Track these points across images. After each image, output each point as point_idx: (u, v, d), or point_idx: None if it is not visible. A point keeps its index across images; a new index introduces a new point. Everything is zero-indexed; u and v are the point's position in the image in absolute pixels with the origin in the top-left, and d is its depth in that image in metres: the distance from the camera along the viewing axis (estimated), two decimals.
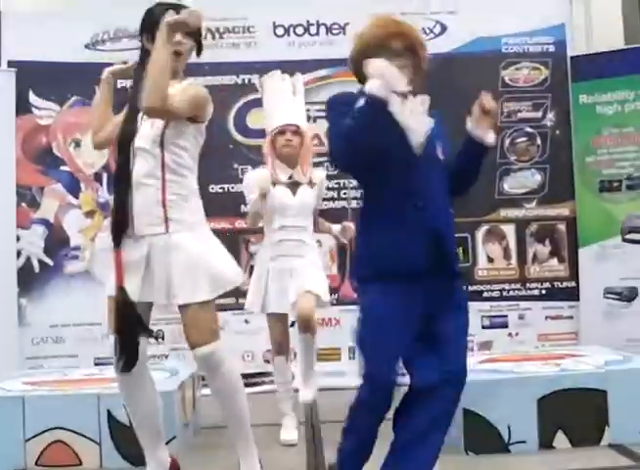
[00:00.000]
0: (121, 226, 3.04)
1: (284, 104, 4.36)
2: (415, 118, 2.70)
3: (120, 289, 3.00)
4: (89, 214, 5.92)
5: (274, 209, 4.27)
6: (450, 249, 2.75)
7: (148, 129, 3.06)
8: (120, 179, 3.08)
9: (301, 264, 4.24)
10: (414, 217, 2.65)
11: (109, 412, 3.78)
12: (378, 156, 2.65)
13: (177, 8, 3.02)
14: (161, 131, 3.05)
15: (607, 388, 3.78)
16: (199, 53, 3.28)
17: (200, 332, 3.04)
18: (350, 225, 4.39)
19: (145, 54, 3.09)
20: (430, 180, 2.71)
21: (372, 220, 2.77)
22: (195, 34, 3.17)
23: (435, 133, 2.76)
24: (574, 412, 3.75)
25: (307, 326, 4.15)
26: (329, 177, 5.71)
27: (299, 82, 4.47)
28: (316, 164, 5.58)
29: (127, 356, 3.04)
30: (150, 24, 3.10)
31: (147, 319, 3.13)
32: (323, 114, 5.81)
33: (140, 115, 3.06)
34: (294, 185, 4.33)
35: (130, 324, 3.02)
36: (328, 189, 5.58)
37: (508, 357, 4.44)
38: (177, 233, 3.05)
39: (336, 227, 4.53)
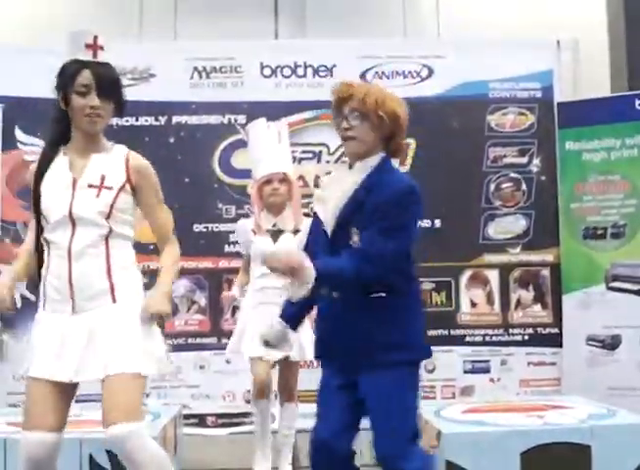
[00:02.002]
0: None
1: (269, 152, 4.37)
2: (321, 206, 2.83)
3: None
4: None
5: (255, 257, 4.27)
6: (352, 340, 2.73)
7: (90, 199, 2.79)
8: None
9: None
10: (329, 307, 2.81)
11: (90, 457, 3.70)
12: None
13: (91, 66, 2.78)
14: (112, 203, 2.81)
15: (591, 443, 3.74)
16: (120, 114, 2.93)
17: (127, 406, 2.65)
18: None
19: (61, 114, 2.83)
20: None
21: None
22: (115, 95, 2.83)
23: (351, 213, 2.74)
24: (558, 467, 3.70)
25: (291, 397, 4.37)
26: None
27: (284, 130, 4.49)
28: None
29: None
30: (63, 83, 2.79)
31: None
32: (308, 155, 5.92)
33: (69, 181, 2.81)
34: (276, 233, 4.33)
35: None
36: None
37: (491, 407, 4.39)
38: (123, 301, 2.80)
39: None
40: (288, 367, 4.35)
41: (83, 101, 2.75)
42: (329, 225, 2.77)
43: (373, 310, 2.71)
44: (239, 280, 4.54)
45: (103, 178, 2.82)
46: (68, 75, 2.78)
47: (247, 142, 4.70)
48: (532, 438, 3.71)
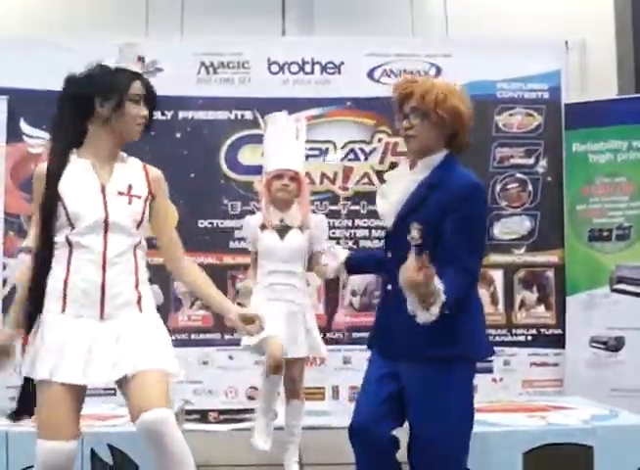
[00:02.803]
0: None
1: (285, 147, 4.34)
2: (382, 201, 2.89)
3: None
4: None
5: (262, 253, 4.26)
6: (403, 337, 2.74)
7: (124, 205, 2.80)
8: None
9: (291, 314, 4.25)
10: (386, 300, 2.85)
11: (92, 452, 3.69)
12: None
13: (142, 78, 2.85)
14: (142, 211, 2.84)
15: (593, 443, 3.73)
16: (148, 129, 2.90)
17: (156, 396, 2.66)
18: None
19: (83, 116, 2.81)
20: (399, 264, 2.66)
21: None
22: (152, 111, 2.88)
23: (413, 209, 2.76)
24: (560, 467, 3.69)
25: (296, 394, 4.35)
26: (339, 216, 5.73)
27: (303, 126, 4.46)
28: None
29: None
30: (118, 88, 2.77)
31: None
32: (315, 152, 5.91)
33: (97, 186, 2.80)
34: (283, 229, 4.30)
35: None
36: (335, 228, 5.56)
37: (493, 407, 4.38)
38: (147, 312, 2.85)
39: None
40: (294, 364, 4.31)
41: (136, 110, 2.79)
42: (389, 220, 2.82)
43: None
44: (250, 275, 4.48)
45: (130, 187, 2.84)
46: (122, 82, 2.79)
47: (254, 138, 4.67)
48: (535, 438, 3.71)
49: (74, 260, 2.74)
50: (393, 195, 2.82)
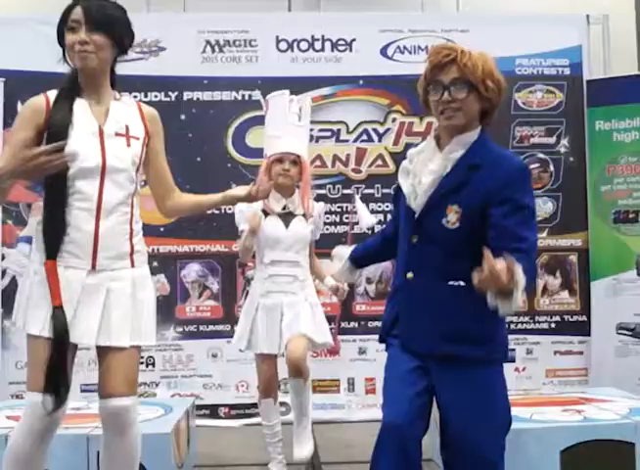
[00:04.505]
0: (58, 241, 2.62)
1: (287, 129, 4.07)
2: (407, 181, 2.62)
3: (60, 309, 2.56)
4: None
5: (264, 241, 4.00)
6: (426, 328, 2.52)
7: (122, 148, 2.68)
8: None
9: (293, 302, 3.98)
10: (403, 288, 2.59)
11: (98, 454, 3.44)
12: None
13: (83, 1, 2.63)
14: (141, 152, 2.74)
15: (635, 440, 3.50)
16: (124, 50, 2.74)
17: (128, 380, 2.67)
18: (344, 286, 4.06)
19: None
20: (426, 250, 2.51)
21: None
22: (110, 29, 2.63)
23: (449, 191, 2.50)
24: (600, 466, 3.48)
25: (298, 371, 3.89)
26: (330, 200, 5.48)
27: (307, 105, 4.19)
28: (318, 187, 5.35)
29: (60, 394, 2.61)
30: (59, 26, 2.67)
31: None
32: (326, 134, 5.67)
33: (94, 127, 2.66)
34: (287, 216, 4.05)
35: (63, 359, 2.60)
36: (329, 213, 5.34)
37: (523, 401, 4.15)
38: (140, 267, 2.75)
39: (330, 282, 4.09)
40: (290, 341, 3.94)
41: (72, 37, 2.61)
42: (417, 202, 2.54)
43: (453, 299, 2.47)
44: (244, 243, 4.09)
45: (127, 127, 2.71)
46: (61, 17, 2.65)
47: (262, 119, 4.41)
48: (573, 435, 3.50)
49: (67, 207, 2.61)
50: (425, 175, 2.55)
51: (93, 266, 2.62)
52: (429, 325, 2.51)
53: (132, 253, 2.70)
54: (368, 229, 4.64)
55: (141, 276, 2.74)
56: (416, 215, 2.55)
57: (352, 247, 3.12)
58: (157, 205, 2.93)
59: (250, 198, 2.99)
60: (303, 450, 3.94)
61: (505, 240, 2.35)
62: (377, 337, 2.77)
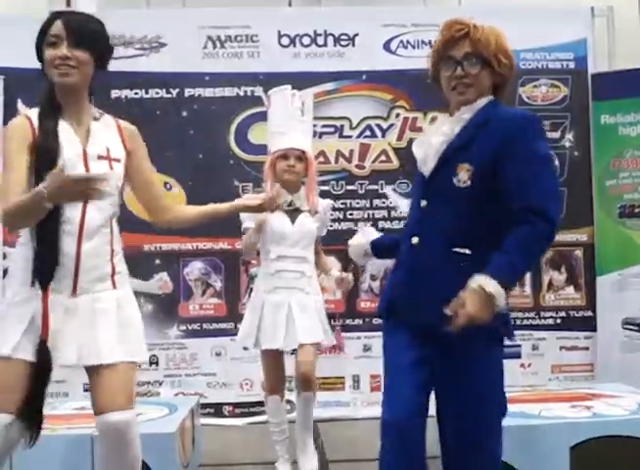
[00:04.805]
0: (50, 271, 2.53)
1: (290, 124, 4.02)
2: (420, 149, 2.58)
3: (44, 343, 2.49)
4: None
5: (271, 237, 3.96)
6: (427, 295, 2.44)
7: (105, 170, 2.58)
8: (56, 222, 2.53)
9: (303, 303, 3.95)
10: (407, 255, 2.52)
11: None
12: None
13: (64, 15, 2.57)
14: (122, 175, 2.67)
15: None
16: (103, 66, 2.66)
17: (126, 394, 2.57)
18: (349, 277, 4.03)
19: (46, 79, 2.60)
20: (435, 213, 2.45)
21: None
22: (91, 44, 2.56)
23: (459, 149, 2.45)
24: (610, 462, 3.43)
25: (308, 384, 3.89)
26: (335, 196, 5.43)
27: (310, 100, 4.15)
28: (322, 183, 5.31)
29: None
30: (37, 39, 2.58)
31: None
32: (330, 130, 5.63)
33: (79, 149, 2.58)
34: (293, 212, 4.01)
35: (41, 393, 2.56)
36: (334, 209, 5.31)
37: (530, 397, 4.12)
38: (121, 288, 2.67)
39: (335, 273, 4.11)
40: (301, 351, 3.93)
41: (51, 52, 2.52)
42: (428, 164, 2.49)
43: (457, 266, 2.39)
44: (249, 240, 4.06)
45: (108, 150, 2.62)
46: (41, 30, 2.56)
47: (265, 115, 4.38)
48: (583, 431, 3.45)
49: (59, 234, 2.53)
50: (435, 137, 2.51)
51: (74, 289, 2.55)
52: (430, 293, 2.43)
53: (113, 274, 2.63)
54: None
55: (124, 296, 2.66)
56: (426, 177, 2.51)
57: (380, 234, 3.07)
58: (148, 215, 2.86)
59: (261, 209, 2.94)
60: (309, 465, 3.96)
61: (515, 209, 2.31)
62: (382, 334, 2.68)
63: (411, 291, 2.50)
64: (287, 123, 4.05)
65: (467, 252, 2.40)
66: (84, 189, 2.32)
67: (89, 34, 2.55)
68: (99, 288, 2.59)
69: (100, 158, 2.59)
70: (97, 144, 2.61)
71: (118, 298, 2.64)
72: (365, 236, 3.00)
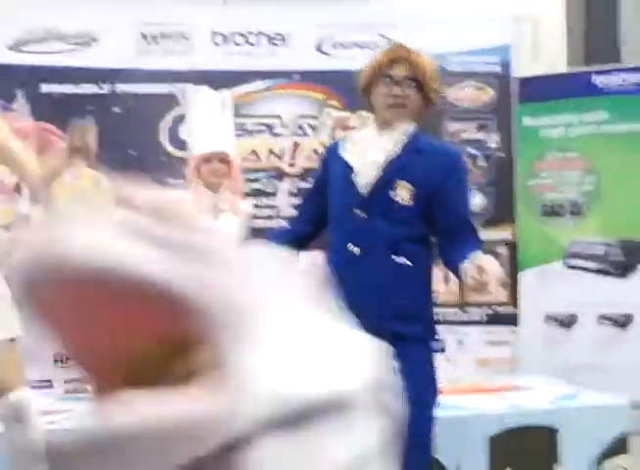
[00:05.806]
0: None
1: (210, 126, 4.02)
2: (354, 157, 2.77)
3: None
4: (6, 227, 5.53)
5: None
6: (371, 304, 2.59)
7: None
8: None
9: None
10: (348, 264, 2.69)
11: None
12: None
13: None
14: None
15: (559, 426, 3.62)
16: None
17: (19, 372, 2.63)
18: None
19: None
20: (375, 225, 2.66)
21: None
22: None
23: (400, 170, 2.65)
24: (527, 451, 3.58)
25: None
26: (267, 194, 5.50)
27: (228, 102, 4.17)
28: (252, 181, 5.38)
29: None
30: None
31: None
32: (261, 128, 5.69)
33: None
34: (215, 212, 4.03)
35: None
36: (264, 207, 5.38)
37: (451, 389, 4.23)
38: None
39: None
40: None
41: None
42: (365, 177, 2.71)
43: (398, 276, 2.65)
44: None
45: None
46: None
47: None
48: (500, 421, 3.60)
49: None
50: (373, 151, 2.69)
51: None
52: (376, 302, 2.61)
53: None
54: None
55: None
56: (365, 191, 2.66)
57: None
58: None
59: None
60: None
61: (459, 224, 2.72)
62: None
63: (357, 300, 2.59)
64: (207, 125, 4.04)
65: (408, 263, 2.59)
66: None
67: None
68: None
69: None
70: None
71: None
72: None
